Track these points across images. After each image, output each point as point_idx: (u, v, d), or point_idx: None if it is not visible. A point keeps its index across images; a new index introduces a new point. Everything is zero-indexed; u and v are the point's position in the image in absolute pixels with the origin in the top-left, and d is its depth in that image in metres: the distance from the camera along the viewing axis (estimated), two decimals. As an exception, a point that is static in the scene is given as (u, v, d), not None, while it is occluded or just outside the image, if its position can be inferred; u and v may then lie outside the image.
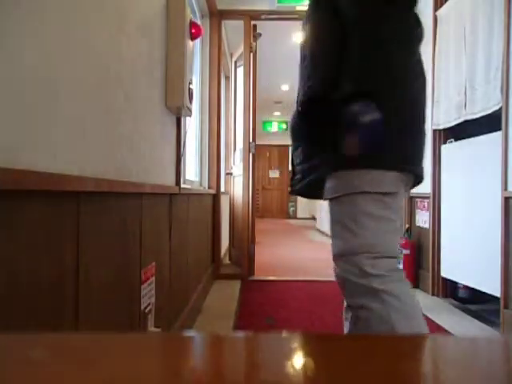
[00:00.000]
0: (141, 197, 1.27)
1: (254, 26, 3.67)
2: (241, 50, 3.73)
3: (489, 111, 2.33)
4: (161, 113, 1.60)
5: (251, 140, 3.56)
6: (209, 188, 3.38)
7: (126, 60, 1.14)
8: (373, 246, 1.02)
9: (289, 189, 1.23)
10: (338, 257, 1.11)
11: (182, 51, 1.61)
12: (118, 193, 1.04)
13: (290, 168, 1.28)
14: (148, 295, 1.36)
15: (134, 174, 1.22)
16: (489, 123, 2.35)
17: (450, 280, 2.85)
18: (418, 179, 1.17)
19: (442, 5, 2.91)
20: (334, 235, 1.11)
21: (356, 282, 1.05)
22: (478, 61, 2.44)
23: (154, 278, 1.43)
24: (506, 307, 2.12)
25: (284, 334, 0.23)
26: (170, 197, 1.71)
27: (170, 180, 1.76)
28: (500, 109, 2.21)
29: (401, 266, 1.16)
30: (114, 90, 1.06)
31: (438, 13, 2.94)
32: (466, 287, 2.73)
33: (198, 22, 3.28)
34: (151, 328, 1.34)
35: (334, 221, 1.10)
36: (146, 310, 1.32)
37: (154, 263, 1.43)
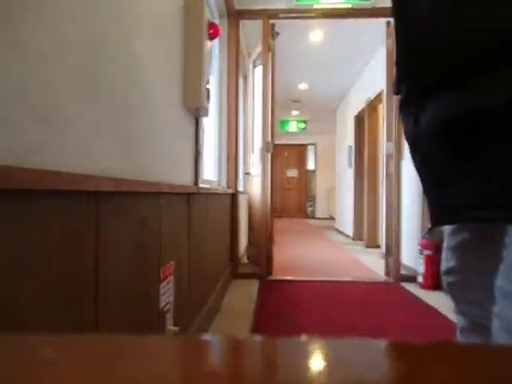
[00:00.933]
0: (158, 196, 1.28)
1: (272, 25, 3.66)
2: (259, 49, 3.73)
3: None
4: (178, 113, 1.61)
5: (269, 140, 3.55)
6: (227, 188, 3.39)
7: (142, 60, 1.15)
8: None
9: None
10: None
11: (200, 51, 1.62)
12: (137, 192, 1.05)
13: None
14: (167, 294, 1.37)
15: (152, 174, 1.23)
16: None
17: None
18: None
19: None
20: None
21: None
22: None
23: (172, 277, 1.44)
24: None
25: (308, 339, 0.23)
26: (188, 196, 1.72)
27: (188, 180, 1.77)
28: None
29: None
30: (131, 90, 1.07)
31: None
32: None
33: (216, 22, 3.30)
34: (170, 327, 1.35)
35: None
36: (165, 309, 1.33)
37: (172, 262, 1.44)
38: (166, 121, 1.44)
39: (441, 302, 2.80)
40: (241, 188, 4.13)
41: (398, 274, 3.44)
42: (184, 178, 1.71)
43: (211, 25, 1.69)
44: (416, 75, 0.68)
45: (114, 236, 0.92)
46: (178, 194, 1.57)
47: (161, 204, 1.29)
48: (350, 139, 6.98)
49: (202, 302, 2.06)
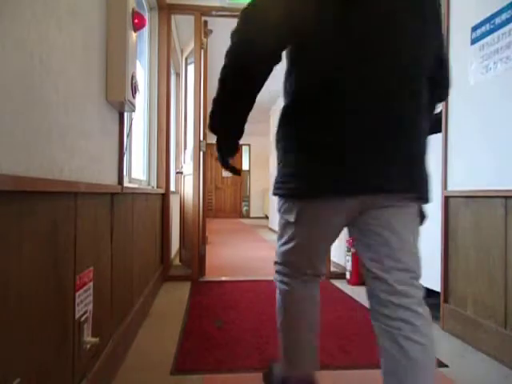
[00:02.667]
0: (75, 197, 1.17)
1: (205, 22, 3.60)
2: (192, 46, 3.65)
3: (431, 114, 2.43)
4: (100, 107, 1.50)
5: (202, 138, 3.49)
6: (157, 187, 3.27)
7: (55, 47, 1.04)
8: None
9: None
10: None
11: (123, 42, 1.52)
12: (45, 192, 0.94)
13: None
14: (84, 302, 1.26)
15: (67, 172, 1.12)
16: (433, 125, 2.44)
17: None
18: None
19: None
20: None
21: None
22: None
23: (91, 284, 1.33)
24: (445, 301, 2.22)
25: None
26: (112, 196, 1.61)
27: (111, 179, 1.65)
28: (441, 112, 2.31)
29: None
30: (40, 80, 0.96)
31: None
32: (410, 283, 2.83)
33: (146, 14, 3.16)
34: (87, 338, 1.25)
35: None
36: (82, 319, 1.22)
37: (91, 268, 1.33)
38: (85, 115, 1.33)
39: (365, 296, 2.93)
40: (172, 188, 4.01)
41: (327, 272, 3.55)
42: (107, 177, 1.60)
43: (136, 14, 1.60)
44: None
45: (16, 241, 0.81)
46: (99, 193, 1.46)
47: (77, 205, 1.18)
48: (283, 140, 7.11)
49: (127, 308, 1.95)
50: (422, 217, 1.11)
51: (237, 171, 1.28)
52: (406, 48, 0.99)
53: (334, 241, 1.19)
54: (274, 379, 1.41)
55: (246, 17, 1.00)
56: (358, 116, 0.96)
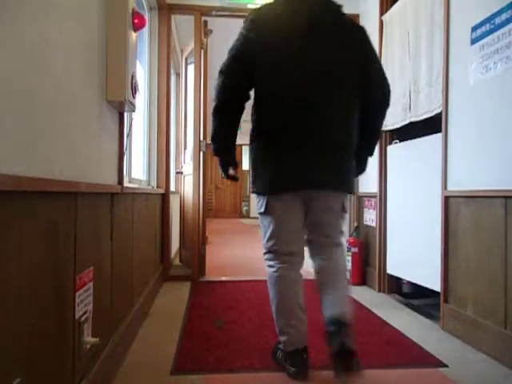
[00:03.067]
0: (75, 196, 1.17)
1: (205, 22, 3.60)
2: (191, 46, 3.65)
3: (431, 114, 2.43)
4: (100, 107, 1.50)
5: (202, 138, 3.49)
6: (157, 187, 3.27)
7: (55, 47, 1.04)
8: None
9: None
10: None
11: (123, 42, 1.52)
12: (45, 192, 0.94)
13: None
14: (84, 302, 1.26)
15: (67, 172, 1.12)
16: (433, 125, 2.44)
17: (395, 276, 2.95)
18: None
19: (387, 9, 3.00)
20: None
21: None
22: (421, 65, 2.54)
23: (91, 284, 1.33)
24: (445, 301, 2.22)
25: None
26: (112, 196, 1.61)
27: (111, 179, 1.65)
28: (442, 112, 2.31)
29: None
30: (40, 80, 0.96)
31: (383, 17, 3.03)
32: (410, 283, 2.84)
33: (146, 14, 3.16)
34: (87, 338, 1.25)
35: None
36: (82, 319, 1.22)
37: (91, 268, 1.33)
38: (85, 115, 1.33)
39: (365, 296, 2.94)
40: (172, 188, 4.01)
41: (327, 271, 3.55)
42: (107, 177, 1.60)
43: (136, 14, 1.60)
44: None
45: (16, 242, 0.81)
46: (100, 193, 1.46)
47: (77, 205, 1.18)
48: (283, 140, 7.11)
49: (127, 308, 1.95)
50: (344, 206, 1.70)
51: (236, 179, 1.74)
52: (331, 87, 1.55)
53: (299, 224, 1.65)
54: (277, 356, 1.72)
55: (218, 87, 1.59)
56: (296, 142, 1.55)
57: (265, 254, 1.73)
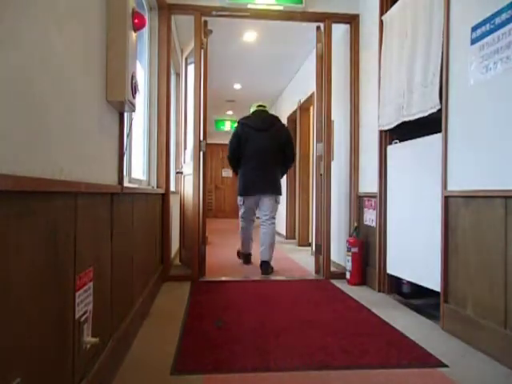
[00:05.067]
0: (75, 196, 1.17)
1: (205, 22, 3.60)
2: (191, 46, 3.65)
3: (425, 114, 2.43)
4: (100, 107, 1.50)
5: (202, 138, 3.49)
6: (157, 187, 3.27)
7: (55, 47, 1.04)
8: None
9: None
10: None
11: (123, 42, 1.52)
12: (45, 192, 0.94)
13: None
14: (84, 302, 1.26)
15: (67, 172, 1.12)
16: (434, 125, 2.44)
17: (395, 276, 2.95)
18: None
19: (387, 9, 3.00)
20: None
21: None
22: (417, 65, 2.54)
23: (91, 284, 1.33)
24: (445, 301, 2.22)
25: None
26: (112, 196, 1.61)
27: (111, 179, 1.65)
28: (437, 112, 2.31)
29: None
30: (40, 80, 0.96)
31: (383, 17, 3.03)
32: (410, 283, 2.84)
33: (146, 14, 3.16)
34: (87, 338, 1.25)
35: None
36: (82, 319, 1.22)
37: (91, 268, 1.33)
38: (85, 115, 1.33)
39: (365, 296, 2.94)
40: (172, 188, 4.01)
41: (327, 272, 3.55)
42: (107, 177, 1.60)
43: (136, 14, 1.60)
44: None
45: (14, 241, 0.81)
46: (100, 193, 1.46)
47: (77, 205, 1.18)
48: (283, 140, 7.11)
49: (127, 308, 1.95)
50: (276, 200, 3.89)
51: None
52: (268, 151, 3.80)
53: (255, 208, 3.99)
54: (240, 255, 4.26)
55: (228, 148, 3.99)
56: (254, 167, 3.82)
57: (240, 217, 4.04)
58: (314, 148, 3.84)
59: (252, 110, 4.04)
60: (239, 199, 3.95)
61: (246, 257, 4.19)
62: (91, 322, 1.31)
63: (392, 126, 2.85)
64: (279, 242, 6.34)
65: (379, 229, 3.08)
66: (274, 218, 3.84)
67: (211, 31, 3.78)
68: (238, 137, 3.81)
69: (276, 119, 3.97)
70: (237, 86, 6.99)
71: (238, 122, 3.90)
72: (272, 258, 3.80)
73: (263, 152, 3.74)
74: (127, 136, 2.00)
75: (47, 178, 0.97)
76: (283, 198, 7.08)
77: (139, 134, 3.11)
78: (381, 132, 3.06)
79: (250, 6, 3.43)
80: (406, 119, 2.64)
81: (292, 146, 3.90)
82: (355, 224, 3.45)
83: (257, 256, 3.98)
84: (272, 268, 3.74)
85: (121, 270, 1.79)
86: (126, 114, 1.86)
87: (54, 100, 1.04)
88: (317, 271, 3.74)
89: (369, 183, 3.30)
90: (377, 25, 3.11)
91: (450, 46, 2.20)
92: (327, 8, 3.52)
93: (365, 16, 3.43)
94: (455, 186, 2.16)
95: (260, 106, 4.01)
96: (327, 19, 3.53)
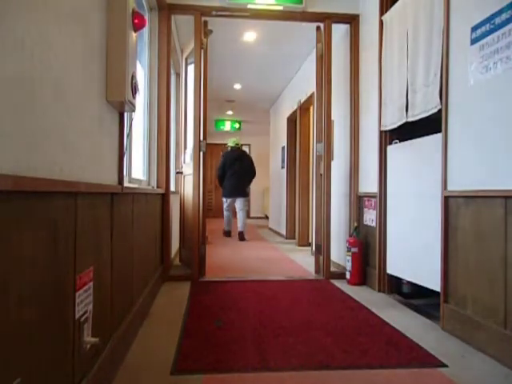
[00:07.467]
0: (75, 196, 1.17)
1: (205, 22, 3.60)
2: (192, 46, 3.65)
3: (427, 114, 2.43)
4: (100, 107, 1.50)
5: (202, 138, 3.49)
6: (157, 187, 3.27)
7: (55, 47, 1.05)
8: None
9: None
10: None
11: (123, 42, 1.52)
12: (45, 192, 0.95)
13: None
14: (85, 302, 1.26)
15: (67, 172, 1.12)
16: (435, 125, 2.44)
17: (395, 276, 2.95)
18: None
19: (387, 9, 3.00)
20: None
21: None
22: (419, 65, 2.54)
23: (91, 284, 1.33)
24: (445, 301, 2.22)
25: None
26: (112, 196, 1.61)
27: (111, 179, 1.65)
28: (438, 112, 2.31)
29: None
30: (40, 80, 0.96)
31: (383, 17, 3.03)
32: (410, 283, 2.84)
33: (146, 14, 3.16)
34: (87, 338, 1.25)
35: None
36: (82, 319, 1.22)
37: (91, 268, 1.33)
38: (85, 115, 1.33)
39: (365, 296, 2.94)
40: (172, 188, 4.01)
41: (327, 272, 3.55)
42: (107, 177, 1.60)
43: (136, 14, 1.60)
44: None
45: (14, 241, 0.81)
46: (100, 193, 1.46)
47: (77, 205, 1.18)
48: (283, 140, 7.12)
49: (127, 308, 1.95)
50: (245, 200, 6.83)
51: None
52: (240, 172, 6.63)
53: (233, 204, 6.78)
54: (224, 232, 6.99)
55: (218, 170, 6.87)
56: (232, 181, 6.65)
57: (224, 210, 6.86)
58: (314, 148, 3.84)
59: (230, 145, 6.74)
60: (224, 199, 6.76)
61: (227, 232, 6.89)
62: (91, 321, 1.31)
63: (395, 125, 2.85)
64: (279, 242, 6.35)
65: (379, 229, 3.08)
66: (243, 209, 6.57)
67: (211, 31, 3.78)
68: (224, 164, 6.62)
69: (244, 152, 6.92)
70: (237, 86, 6.99)
71: (223, 156, 6.79)
72: (245, 232, 6.55)
73: (238, 172, 6.54)
74: (127, 136, 2.00)
75: (47, 178, 0.97)
76: (283, 198, 7.17)
77: (139, 134, 3.11)
78: (381, 132, 3.06)
79: (249, 6, 3.43)
80: (410, 119, 2.64)
81: (253, 168, 6.75)
82: (355, 224, 3.45)
83: (235, 232, 6.86)
84: (245, 238, 6.46)
85: (121, 269, 1.79)
86: (125, 114, 1.86)
87: (53, 100, 1.04)
88: (317, 271, 3.74)
89: (369, 183, 3.30)
90: (377, 25, 3.11)
91: (450, 46, 2.20)
92: (327, 8, 3.52)
93: (365, 16, 3.43)
94: (455, 185, 2.16)
95: (235, 142, 6.70)
96: (327, 19, 3.53)
